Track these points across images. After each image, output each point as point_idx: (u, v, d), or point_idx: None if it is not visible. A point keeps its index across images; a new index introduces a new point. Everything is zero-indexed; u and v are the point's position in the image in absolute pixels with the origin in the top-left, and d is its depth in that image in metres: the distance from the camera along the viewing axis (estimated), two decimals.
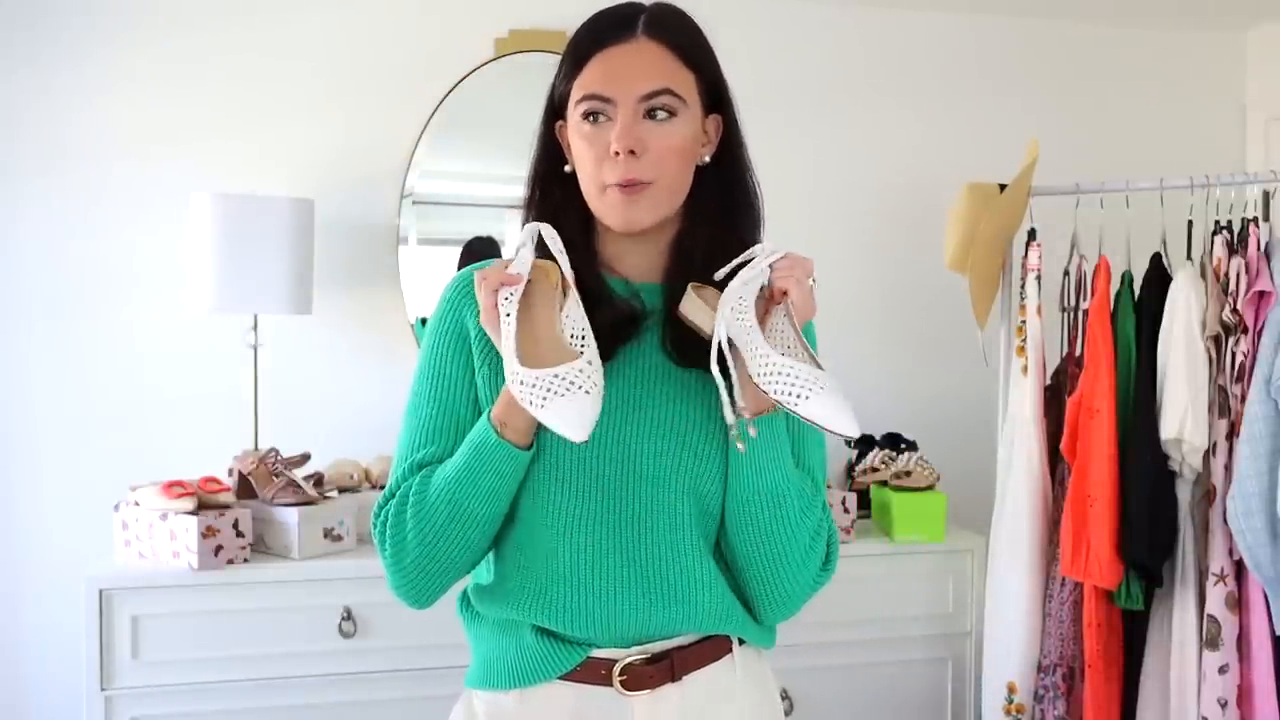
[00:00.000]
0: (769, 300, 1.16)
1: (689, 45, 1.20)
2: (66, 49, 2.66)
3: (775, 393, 1.09)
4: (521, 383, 1.08)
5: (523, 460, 1.15)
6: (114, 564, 2.32)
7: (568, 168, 1.23)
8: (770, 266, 1.14)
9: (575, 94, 1.18)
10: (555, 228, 1.22)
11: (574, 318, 1.15)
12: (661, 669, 1.20)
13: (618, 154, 1.15)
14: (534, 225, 1.18)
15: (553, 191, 1.24)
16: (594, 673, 1.19)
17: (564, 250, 1.17)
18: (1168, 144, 3.19)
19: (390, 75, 2.82)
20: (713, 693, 1.22)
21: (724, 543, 1.22)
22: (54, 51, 2.66)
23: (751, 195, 1.26)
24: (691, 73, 1.19)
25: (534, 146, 1.26)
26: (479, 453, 1.14)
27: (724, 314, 1.12)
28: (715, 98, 1.23)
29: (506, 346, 1.11)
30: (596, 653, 1.19)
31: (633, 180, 1.16)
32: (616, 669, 1.19)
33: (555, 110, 1.24)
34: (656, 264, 1.24)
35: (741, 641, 1.25)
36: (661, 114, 1.16)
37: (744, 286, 1.13)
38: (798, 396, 1.07)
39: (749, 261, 1.15)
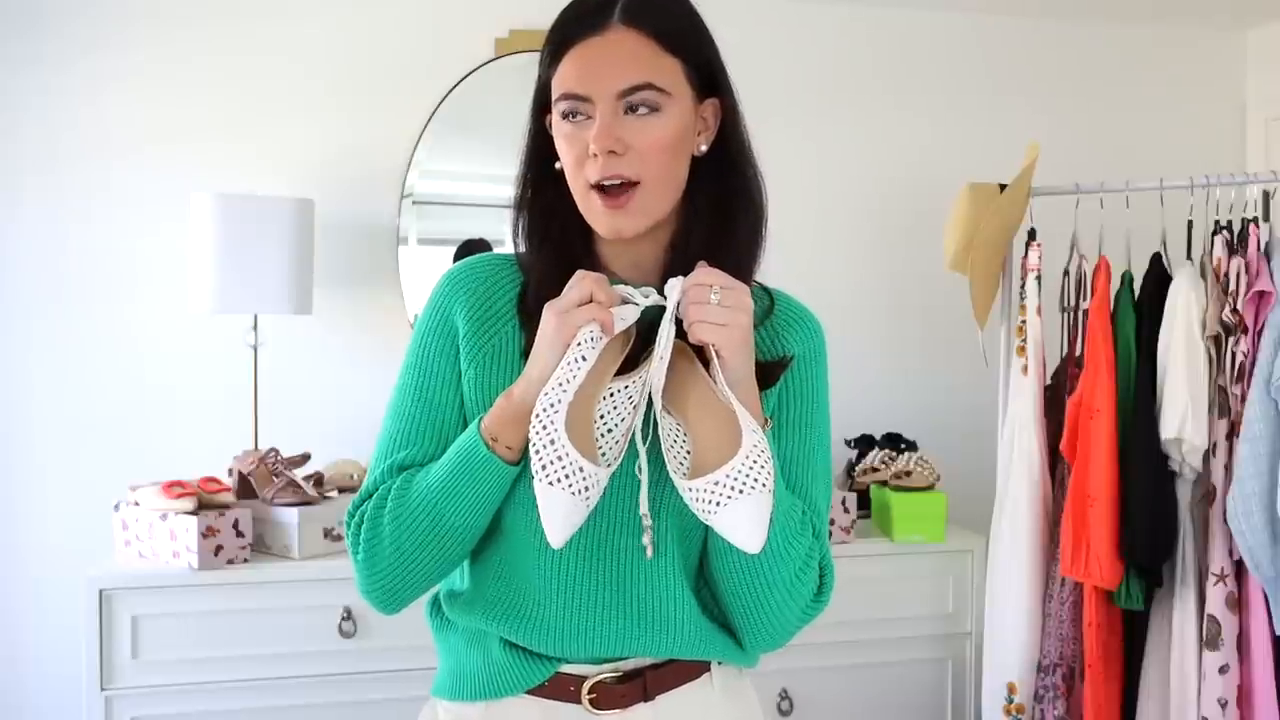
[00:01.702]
0: (703, 348, 1.07)
1: (672, 30, 1.11)
2: (66, 49, 2.66)
3: (692, 506, 1.04)
4: (552, 442, 1.00)
5: (510, 475, 1.09)
6: (114, 564, 2.32)
7: (559, 164, 1.15)
8: (678, 316, 1.06)
9: (555, 92, 1.11)
10: (550, 227, 1.16)
11: (620, 404, 1.08)
12: (633, 688, 1.15)
13: (596, 154, 1.08)
14: (658, 297, 1.08)
15: (544, 190, 1.17)
16: (562, 689, 1.15)
17: (670, 336, 1.07)
18: (1168, 144, 3.19)
19: (390, 75, 2.82)
20: (688, 713, 1.18)
21: (706, 570, 1.17)
22: (54, 51, 2.66)
23: (751, 185, 1.17)
24: (676, 59, 1.10)
25: (523, 142, 1.18)
26: (467, 464, 1.09)
27: (655, 398, 1.07)
28: (709, 81, 1.14)
29: (560, 393, 1.03)
30: (565, 668, 1.15)
31: (615, 177, 1.08)
32: (585, 686, 1.14)
33: (543, 103, 1.15)
34: (655, 266, 1.16)
35: (721, 661, 1.21)
36: (643, 109, 1.08)
37: (661, 363, 1.05)
38: (707, 512, 1.01)
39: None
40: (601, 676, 1.15)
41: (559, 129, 1.12)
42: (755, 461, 1.00)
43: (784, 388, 1.19)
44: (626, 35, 1.09)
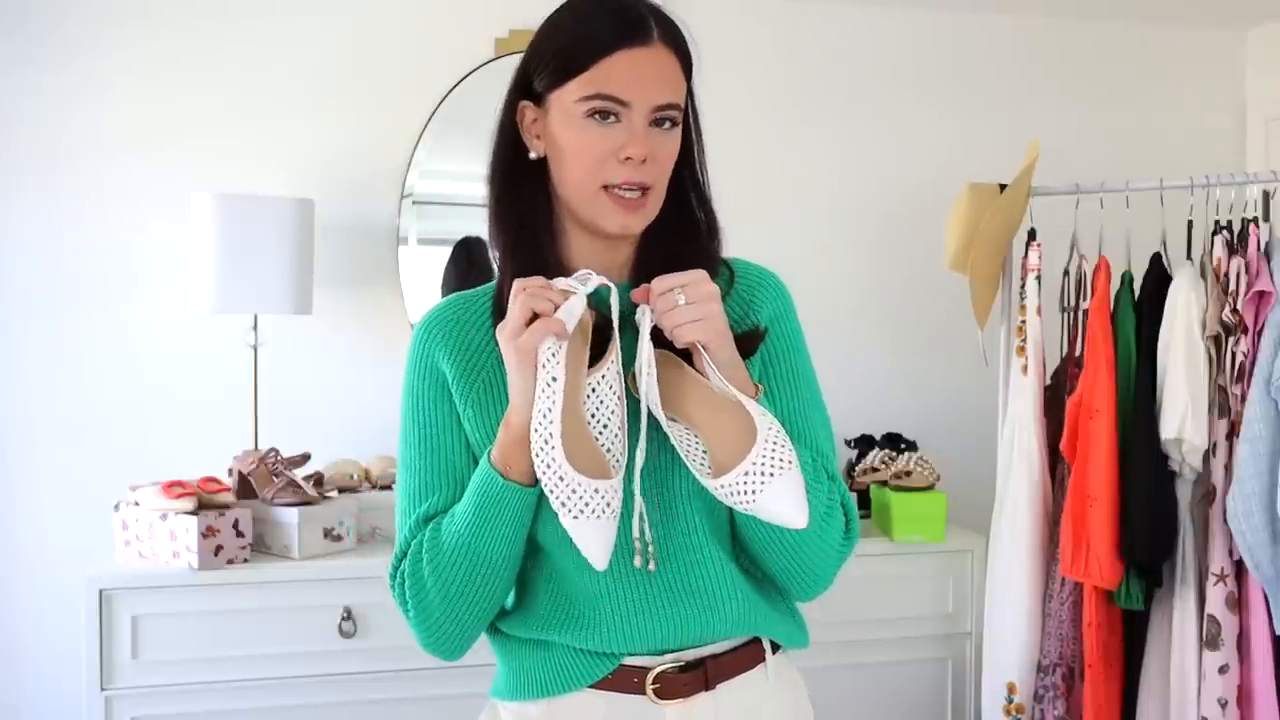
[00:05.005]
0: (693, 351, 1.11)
1: (688, 56, 1.18)
2: (64, 48, 2.66)
3: (728, 497, 1.07)
4: (561, 479, 1.03)
5: (532, 497, 1.12)
6: (114, 564, 2.32)
7: (533, 155, 1.19)
8: (653, 325, 1.09)
9: (582, 88, 1.13)
10: (521, 236, 1.19)
11: (604, 397, 1.10)
12: (695, 678, 1.18)
13: (628, 159, 1.12)
14: (598, 278, 1.10)
15: (518, 186, 1.20)
16: (626, 681, 1.17)
17: (616, 318, 1.11)
18: (1168, 144, 3.19)
19: (390, 75, 2.81)
20: (746, 701, 1.21)
21: (738, 537, 1.20)
22: (52, 51, 2.66)
23: (708, 203, 1.24)
24: (685, 84, 1.18)
25: (494, 136, 1.21)
26: (488, 498, 1.11)
27: (656, 411, 1.09)
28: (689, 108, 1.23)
29: (547, 425, 1.04)
30: (629, 661, 1.17)
31: (639, 184, 1.13)
32: (649, 677, 1.17)
33: (527, 94, 1.18)
34: (622, 263, 1.21)
35: (775, 650, 1.24)
36: (666, 124, 1.15)
37: (650, 377, 1.08)
38: (745, 503, 1.05)
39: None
40: (664, 667, 1.18)
41: (578, 125, 1.14)
42: (775, 443, 1.05)
43: (765, 350, 1.23)
44: (665, 53, 1.15)
